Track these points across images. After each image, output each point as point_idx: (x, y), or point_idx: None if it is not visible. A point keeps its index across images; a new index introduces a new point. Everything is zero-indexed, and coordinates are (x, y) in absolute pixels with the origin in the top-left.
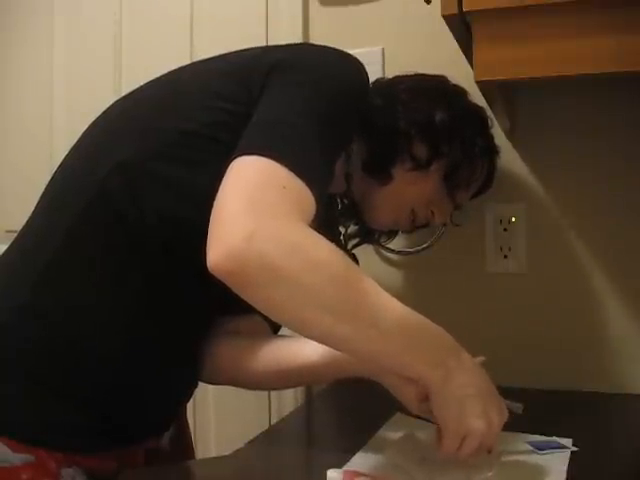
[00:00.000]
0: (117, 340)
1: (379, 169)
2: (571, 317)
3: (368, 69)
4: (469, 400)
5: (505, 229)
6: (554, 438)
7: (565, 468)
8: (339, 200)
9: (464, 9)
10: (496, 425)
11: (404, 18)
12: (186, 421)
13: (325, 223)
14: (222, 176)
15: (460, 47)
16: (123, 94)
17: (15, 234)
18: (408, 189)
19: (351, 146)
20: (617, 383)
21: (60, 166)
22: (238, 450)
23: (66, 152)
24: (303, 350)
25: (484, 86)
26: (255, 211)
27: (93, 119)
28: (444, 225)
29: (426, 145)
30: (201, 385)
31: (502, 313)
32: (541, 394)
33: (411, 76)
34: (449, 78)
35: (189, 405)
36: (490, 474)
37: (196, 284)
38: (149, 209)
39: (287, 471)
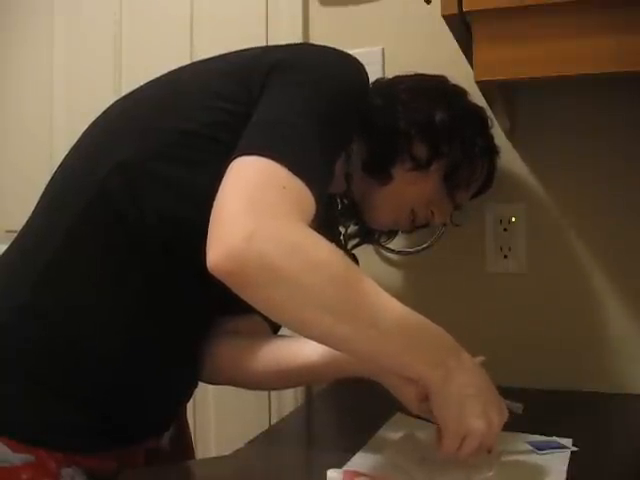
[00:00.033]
0: (117, 340)
1: (379, 169)
2: (571, 317)
3: (368, 69)
4: (469, 400)
5: (505, 229)
6: (554, 438)
7: (565, 468)
8: (339, 200)
9: (464, 9)
10: (496, 425)
11: (404, 18)
12: (186, 421)
13: (325, 223)
14: (222, 176)
15: (460, 47)
16: (123, 94)
17: (15, 234)
18: (408, 189)
19: (351, 146)
20: (617, 383)
21: (60, 166)
22: (238, 450)
23: (66, 152)
24: (303, 350)
25: (484, 86)
26: (255, 211)
27: (93, 119)
28: (444, 225)
29: (426, 145)
30: (201, 385)
31: (502, 313)
32: (541, 394)
33: (411, 76)
34: (449, 78)
35: (189, 405)
36: (490, 474)
37: (196, 284)
38: (149, 209)
39: (287, 471)
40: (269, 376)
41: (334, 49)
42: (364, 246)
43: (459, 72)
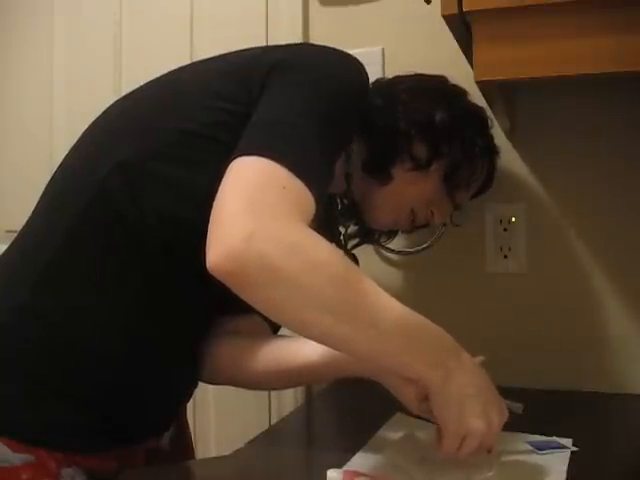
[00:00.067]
0: (117, 340)
1: (379, 169)
2: (571, 317)
3: (368, 69)
4: (469, 400)
5: (505, 229)
6: (554, 438)
7: (565, 468)
8: (339, 200)
9: (464, 9)
10: (496, 425)
11: (404, 18)
12: (186, 421)
13: (325, 223)
14: (222, 176)
15: (460, 47)
16: (123, 94)
17: (15, 234)
18: (408, 189)
19: (351, 146)
20: (617, 383)
21: (60, 166)
22: (238, 450)
23: (66, 152)
24: (302, 350)
25: (484, 86)
26: (255, 211)
27: (93, 119)
28: (444, 225)
29: (426, 145)
30: (201, 385)
31: (502, 313)
32: (541, 394)
33: (411, 76)
34: (449, 78)
35: (189, 405)
36: (490, 474)
37: (196, 284)
38: (149, 209)
39: (287, 471)
40: (269, 376)
41: (334, 49)
42: (364, 246)
43: (459, 72)
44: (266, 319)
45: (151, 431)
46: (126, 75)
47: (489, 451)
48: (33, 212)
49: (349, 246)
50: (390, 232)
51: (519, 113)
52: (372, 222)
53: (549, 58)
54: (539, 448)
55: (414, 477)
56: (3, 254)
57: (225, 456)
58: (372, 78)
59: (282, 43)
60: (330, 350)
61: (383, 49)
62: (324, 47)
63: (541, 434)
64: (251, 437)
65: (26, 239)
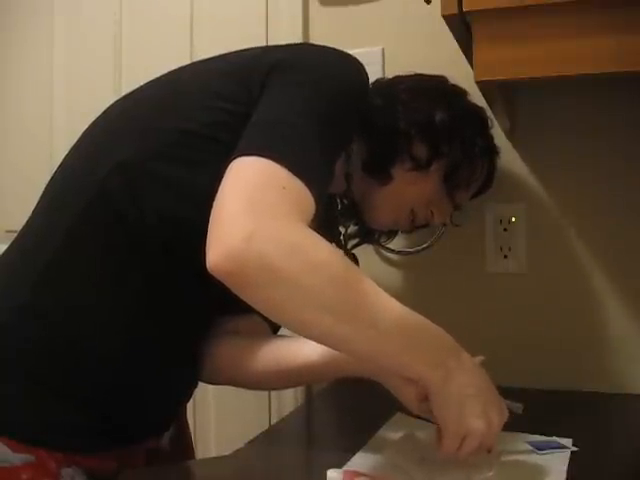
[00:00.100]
0: (117, 340)
1: (379, 169)
2: (571, 317)
3: (368, 69)
4: (469, 400)
5: (505, 229)
6: (554, 438)
7: (565, 468)
8: (339, 200)
9: (464, 9)
10: (496, 425)
11: (404, 18)
12: (186, 421)
13: (325, 223)
14: (222, 176)
15: (460, 47)
16: (123, 94)
17: (15, 234)
18: (408, 189)
19: (351, 146)
20: (617, 383)
21: (60, 166)
22: (238, 450)
23: (66, 152)
24: (302, 350)
25: (484, 86)
26: (255, 212)
27: (93, 119)
28: (444, 225)
29: (426, 145)
30: (201, 385)
31: (502, 313)
32: (541, 394)
33: (411, 76)
34: (449, 78)
35: (189, 405)
36: (490, 474)
37: (196, 284)
38: (149, 209)
39: (287, 471)
40: (269, 376)
41: (334, 49)
42: (364, 246)
43: (459, 72)
44: (266, 319)
45: (151, 431)
46: (126, 75)
47: (489, 451)
48: (33, 212)
49: (349, 246)
50: (390, 232)
51: (519, 113)
52: (372, 222)
53: (549, 58)
54: (539, 448)
55: (414, 477)
56: (3, 254)
57: (225, 456)
58: (372, 78)
59: (282, 43)
60: (330, 350)
61: (383, 49)
62: (324, 47)
63: (541, 434)
64: (251, 437)
65: (26, 239)
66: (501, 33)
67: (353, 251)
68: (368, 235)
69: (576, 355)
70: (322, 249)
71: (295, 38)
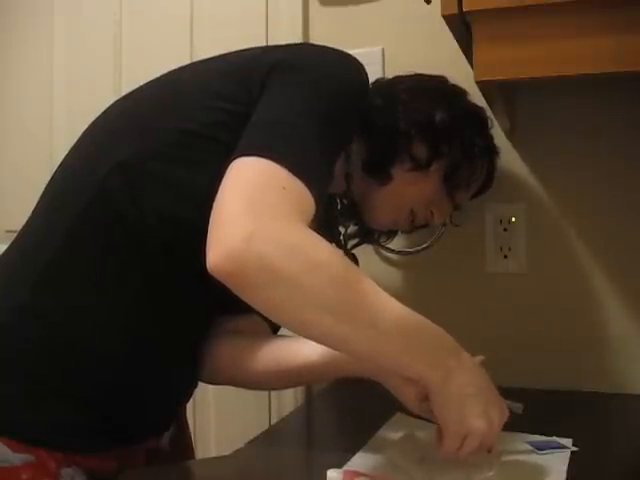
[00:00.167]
0: (117, 340)
1: (379, 169)
2: (571, 317)
3: (368, 69)
4: (469, 400)
5: (505, 229)
6: (554, 438)
7: (565, 468)
8: (339, 200)
9: (464, 9)
10: (496, 425)
11: (404, 18)
12: (186, 421)
13: (325, 223)
14: (222, 176)
15: (460, 47)
16: (123, 94)
17: (15, 234)
18: (408, 189)
19: (351, 146)
20: (617, 383)
21: (60, 166)
22: (238, 450)
23: (66, 152)
24: (302, 350)
25: (484, 86)
26: (255, 212)
27: (93, 119)
28: (444, 225)
29: (426, 145)
30: (201, 385)
31: (502, 313)
32: (541, 394)
33: (411, 76)
34: (449, 78)
35: (189, 405)
36: (490, 474)
37: (196, 284)
38: (149, 209)
39: (287, 471)
40: (269, 376)
41: (334, 49)
42: (364, 246)
43: (459, 72)
44: (266, 319)
45: (151, 431)
46: (126, 75)
47: (489, 451)
48: (33, 212)
49: (349, 246)
50: (390, 232)
51: (519, 113)
52: (372, 222)
53: (549, 58)
54: (539, 448)
55: (414, 477)
56: (3, 254)
57: (225, 456)
58: (372, 78)
59: (282, 43)
60: (330, 350)
61: (383, 49)
62: (324, 47)
63: (541, 434)
64: (251, 437)
65: (26, 239)
66: (501, 33)
67: (353, 251)
68: (368, 235)
69: (576, 355)
70: (322, 249)
71: (295, 38)
